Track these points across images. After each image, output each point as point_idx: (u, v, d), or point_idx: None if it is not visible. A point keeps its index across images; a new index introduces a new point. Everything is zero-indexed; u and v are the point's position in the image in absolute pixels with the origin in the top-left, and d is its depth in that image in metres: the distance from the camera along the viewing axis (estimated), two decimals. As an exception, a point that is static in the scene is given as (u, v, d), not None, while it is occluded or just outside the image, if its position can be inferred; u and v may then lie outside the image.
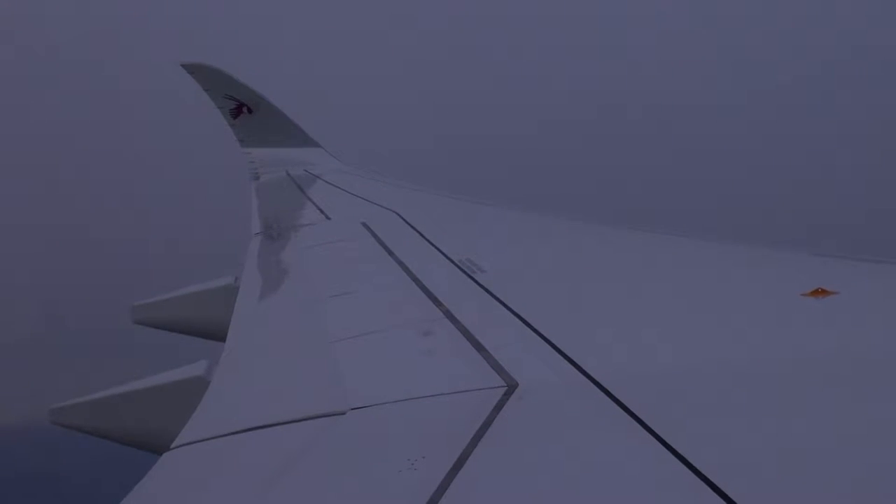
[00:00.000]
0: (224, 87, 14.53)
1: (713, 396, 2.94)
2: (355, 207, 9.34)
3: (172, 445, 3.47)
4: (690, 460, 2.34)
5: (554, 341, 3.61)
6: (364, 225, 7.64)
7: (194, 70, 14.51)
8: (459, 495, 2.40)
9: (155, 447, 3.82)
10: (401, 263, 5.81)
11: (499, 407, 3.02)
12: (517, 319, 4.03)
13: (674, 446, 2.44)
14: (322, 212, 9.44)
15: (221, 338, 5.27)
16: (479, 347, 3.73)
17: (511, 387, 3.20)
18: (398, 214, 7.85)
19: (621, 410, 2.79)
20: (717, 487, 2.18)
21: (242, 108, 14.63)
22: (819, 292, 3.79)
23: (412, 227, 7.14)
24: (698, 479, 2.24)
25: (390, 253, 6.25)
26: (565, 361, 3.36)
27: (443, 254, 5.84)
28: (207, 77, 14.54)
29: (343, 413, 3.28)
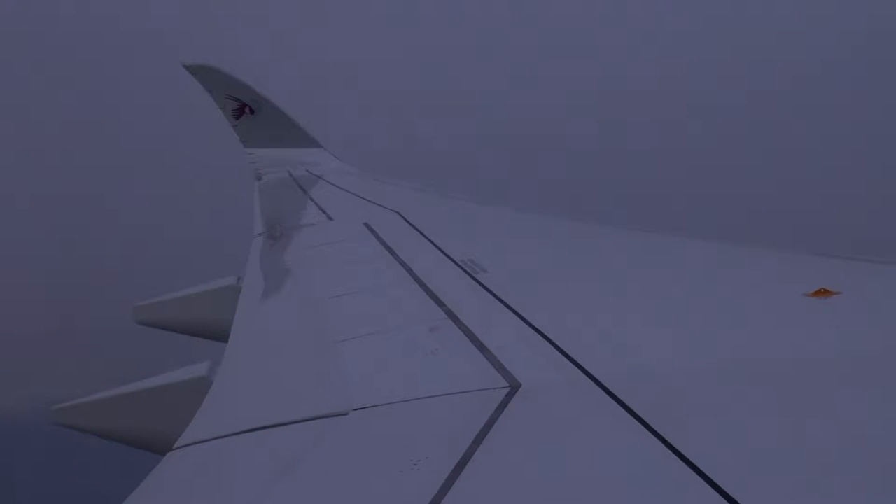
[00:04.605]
0: (226, 88, 14.56)
1: (716, 396, 2.94)
2: (357, 208, 9.34)
3: (175, 446, 3.47)
4: (693, 460, 2.34)
5: (557, 341, 3.60)
6: (366, 225, 7.64)
7: (196, 70, 14.53)
8: (462, 496, 2.40)
9: (157, 448, 3.83)
10: (403, 264, 5.81)
11: (501, 407, 3.02)
12: (520, 320, 4.03)
13: (677, 447, 2.44)
14: (324, 212, 9.44)
15: (224, 338, 5.27)
16: (481, 348, 3.73)
17: (514, 387, 3.20)
18: (400, 215, 7.85)
19: (624, 411, 2.78)
20: (720, 487, 2.18)
21: (244, 108, 14.65)
22: (822, 292, 3.79)
23: (414, 227, 7.15)
24: (701, 479, 2.24)
25: (392, 253, 6.25)
26: (568, 362, 3.36)
27: (445, 254, 5.84)
28: (209, 77, 14.56)
29: (345, 414, 3.28)
